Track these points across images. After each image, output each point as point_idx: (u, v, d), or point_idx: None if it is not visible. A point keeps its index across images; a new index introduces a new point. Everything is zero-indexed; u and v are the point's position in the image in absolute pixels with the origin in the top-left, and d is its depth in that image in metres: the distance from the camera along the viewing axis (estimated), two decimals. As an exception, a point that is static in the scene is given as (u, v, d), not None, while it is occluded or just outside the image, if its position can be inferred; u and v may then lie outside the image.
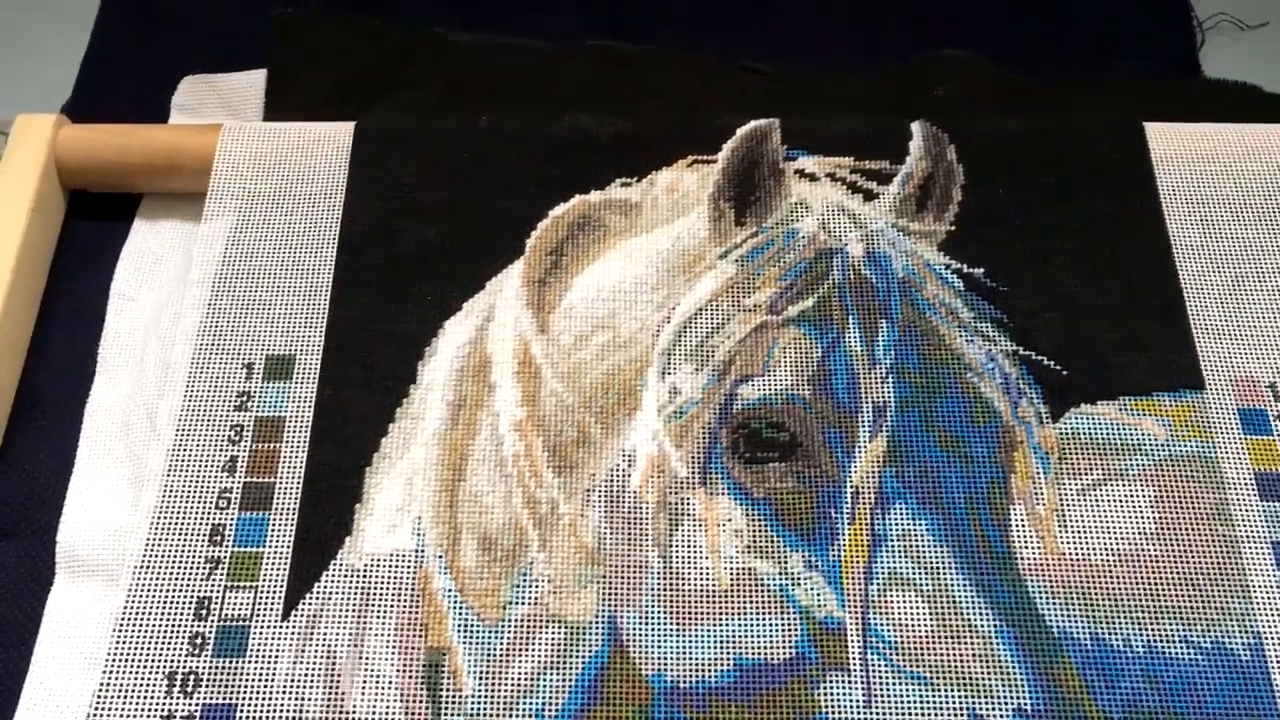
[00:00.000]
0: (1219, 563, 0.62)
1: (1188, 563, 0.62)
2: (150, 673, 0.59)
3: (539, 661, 0.60)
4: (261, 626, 0.61)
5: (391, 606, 0.61)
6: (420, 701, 0.59)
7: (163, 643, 0.60)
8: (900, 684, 0.59)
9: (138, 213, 0.78)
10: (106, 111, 0.80)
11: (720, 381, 0.66)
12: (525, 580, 0.62)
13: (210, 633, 0.60)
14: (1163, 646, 0.60)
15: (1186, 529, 0.63)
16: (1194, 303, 0.70)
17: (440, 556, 0.62)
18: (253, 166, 0.75)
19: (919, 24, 0.90)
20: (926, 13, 0.91)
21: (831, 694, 0.59)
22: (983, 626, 0.60)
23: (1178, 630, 0.60)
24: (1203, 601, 0.61)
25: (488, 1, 0.91)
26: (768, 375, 0.66)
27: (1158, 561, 0.62)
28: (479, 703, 0.59)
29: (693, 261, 0.70)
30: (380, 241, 0.72)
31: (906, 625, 0.60)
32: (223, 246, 0.72)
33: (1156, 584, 0.61)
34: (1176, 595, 0.61)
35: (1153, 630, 0.60)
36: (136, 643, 0.60)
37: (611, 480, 0.64)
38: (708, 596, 0.61)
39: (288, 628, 0.61)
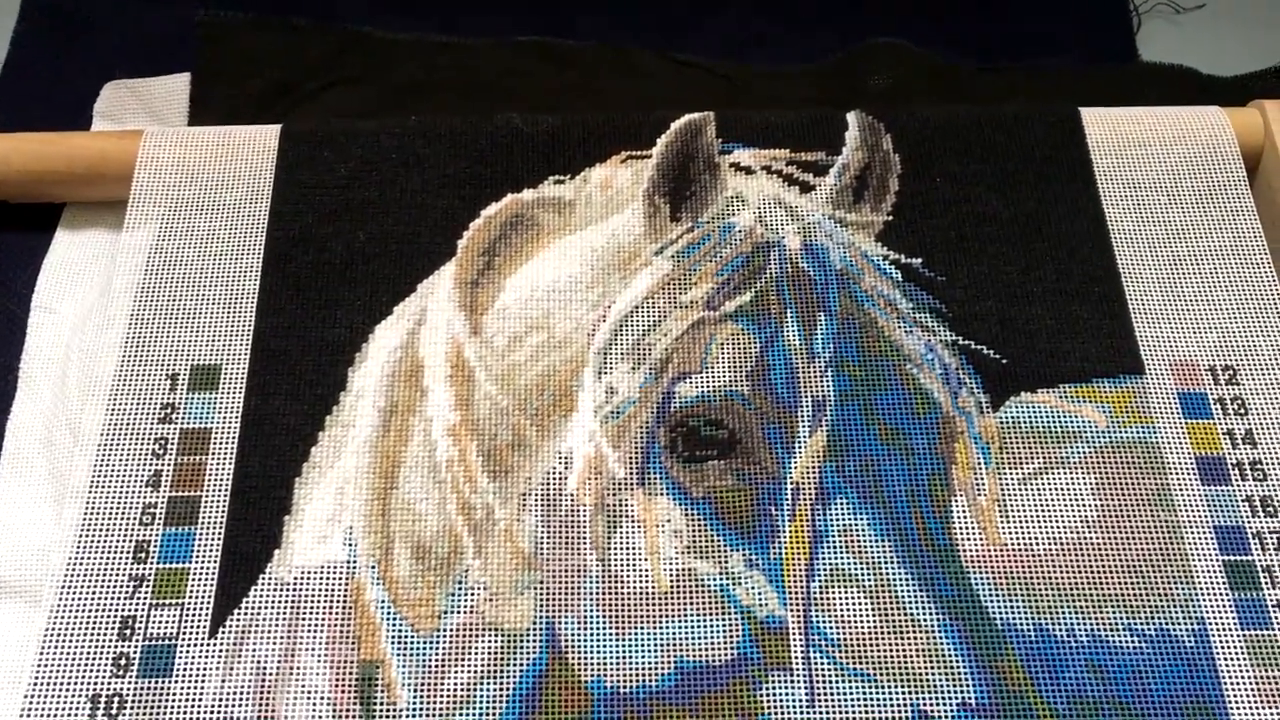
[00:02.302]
0: (1161, 548, 0.61)
1: (1130, 549, 0.61)
2: (74, 696, 0.58)
3: (475, 671, 0.59)
4: (188, 645, 0.59)
5: (323, 620, 0.60)
6: (354, 716, 0.57)
7: (86, 664, 0.58)
8: (844, 682, 0.58)
9: (60, 223, 0.76)
10: (27, 119, 0.78)
11: (657, 380, 0.65)
12: (460, 588, 0.61)
13: (135, 653, 0.59)
14: (1106, 635, 0.59)
15: (1128, 515, 0.62)
16: (1132, 287, 0.69)
17: (373, 567, 0.61)
18: (176, 172, 0.73)
19: (854, 13, 0.90)
20: (862, 1, 0.90)
21: (774, 694, 0.58)
22: (926, 621, 0.59)
23: (1121, 618, 0.60)
24: (1145, 588, 0.60)
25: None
26: (706, 372, 0.65)
27: (1100, 549, 0.61)
28: (414, 715, 0.57)
29: (628, 259, 0.69)
30: (308, 246, 0.71)
31: (849, 622, 0.59)
32: (146, 255, 0.70)
33: (1099, 572, 0.61)
34: (1119, 582, 0.60)
35: (1096, 618, 0.60)
36: (59, 665, 0.58)
37: (548, 483, 0.63)
38: (647, 599, 0.60)
39: (215, 645, 0.59)
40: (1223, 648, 0.59)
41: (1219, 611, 0.60)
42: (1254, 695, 0.58)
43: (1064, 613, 0.60)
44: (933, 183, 0.73)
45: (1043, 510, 0.62)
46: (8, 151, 0.74)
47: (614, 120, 0.75)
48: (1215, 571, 0.61)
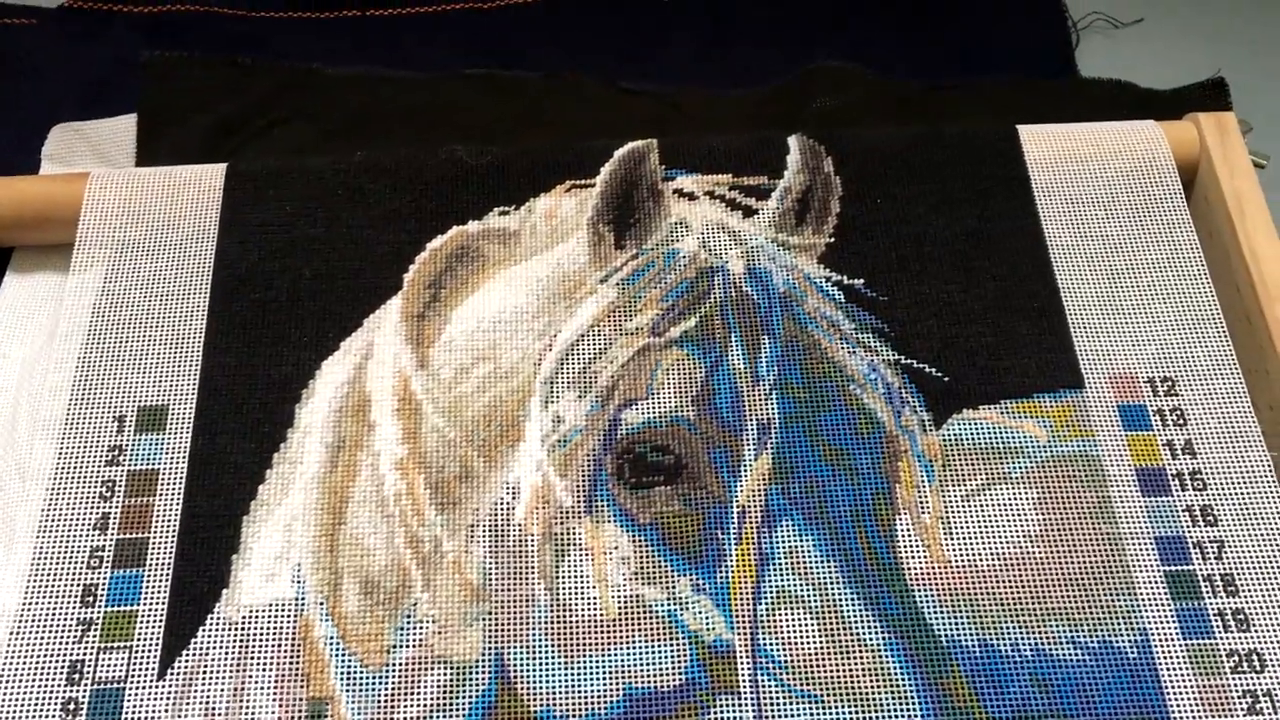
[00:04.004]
0: (1103, 561, 0.62)
1: (1072, 563, 0.62)
2: (23, 742, 0.58)
3: (425, 705, 0.59)
4: (136, 687, 0.59)
5: (272, 658, 0.60)
6: (304, 754, 0.58)
7: (36, 709, 0.58)
8: (791, 704, 0.58)
9: (9, 266, 0.76)
10: (-24, 165, 0.79)
11: (604, 407, 0.65)
12: (409, 622, 0.61)
13: (84, 697, 0.59)
14: (1050, 649, 0.60)
15: (1070, 529, 0.63)
16: (1071, 302, 0.70)
17: (321, 603, 0.61)
18: (122, 214, 0.73)
19: (797, 36, 0.91)
20: (802, 22, 0.91)
21: (723, 718, 0.58)
22: (872, 640, 0.60)
23: (1064, 631, 0.60)
24: (1088, 601, 0.61)
25: (363, 34, 0.90)
26: (651, 398, 0.66)
27: (1043, 564, 0.62)
28: (364, 751, 0.58)
29: (573, 287, 0.70)
30: (254, 284, 0.71)
31: (796, 644, 0.60)
32: (93, 297, 0.70)
33: (1042, 586, 0.61)
34: (1062, 596, 0.61)
35: (1039, 633, 0.60)
36: (8, 711, 0.58)
37: (495, 514, 0.63)
38: (596, 627, 0.60)
39: (164, 687, 0.59)
40: (1165, 657, 0.59)
41: (1161, 622, 0.60)
42: (1197, 704, 0.58)
43: (1008, 627, 0.60)
44: (874, 204, 0.74)
45: (986, 526, 0.63)
46: (-45, 197, 0.75)
47: (558, 150, 0.76)
48: (1157, 582, 0.62)
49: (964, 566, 0.62)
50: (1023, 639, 0.60)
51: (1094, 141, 0.76)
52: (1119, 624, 0.60)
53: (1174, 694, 0.58)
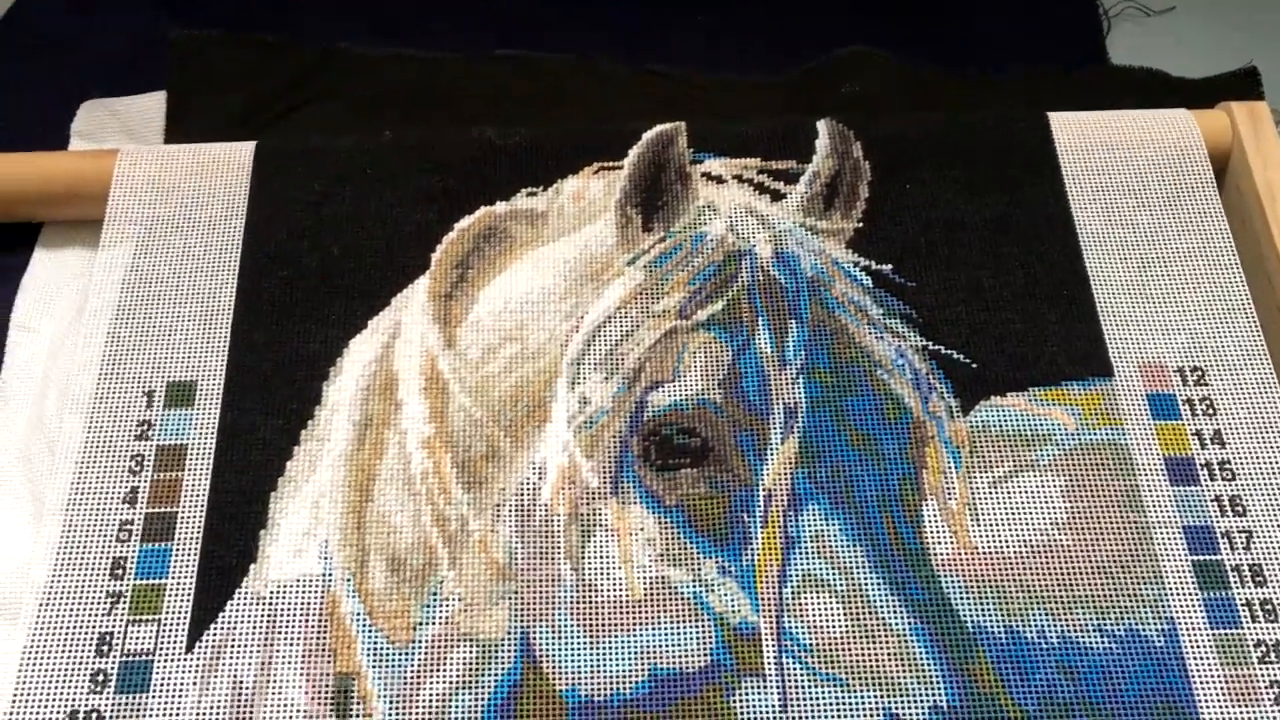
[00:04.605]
0: (1131, 550, 0.62)
1: (1100, 551, 0.62)
2: (52, 712, 0.58)
3: (450, 682, 0.59)
4: (165, 660, 0.59)
5: (299, 633, 0.60)
6: (330, 728, 0.58)
7: (65, 681, 0.59)
8: (816, 687, 0.58)
9: (38, 242, 0.77)
10: (5, 141, 0.79)
11: (630, 389, 0.65)
12: (435, 600, 0.61)
13: (113, 669, 0.59)
14: (1077, 636, 0.60)
15: (1098, 517, 0.63)
16: (1101, 290, 0.70)
17: (348, 580, 0.61)
18: (151, 191, 0.74)
19: (825, 22, 0.90)
20: (830, 8, 0.91)
21: (747, 700, 0.58)
22: (897, 625, 0.60)
23: (1091, 619, 0.60)
24: (1115, 589, 0.61)
25: (393, 13, 0.90)
26: (678, 381, 0.66)
27: (1070, 551, 0.62)
28: (390, 727, 0.58)
29: (600, 269, 0.70)
30: (283, 262, 0.71)
31: (821, 627, 0.60)
32: (122, 273, 0.71)
33: (1069, 574, 0.61)
34: (1089, 584, 0.61)
35: (1066, 620, 0.60)
36: (38, 682, 0.59)
37: (522, 494, 0.63)
38: (621, 607, 0.60)
39: (192, 660, 0.59)
40: (1192, 647, 0.59)
41: (1188, 611, 0.60)
42: (1223, 695, 0.58)
43: (1034, 615, 0.60)
44: (903, 189, 0.73)
45: (1013, 513, 0.63)
46: (-15, 172, 0.75)
47: (586, 131, 0.76)
48: (1184, 571, 0.61)
49: (991, 553, 0.62)
50: (1049, 626, 0.60)
51: (1125, 129, 0.75)
52: (1146, 613, 0.60)
53: (1201, 683, 0.58)
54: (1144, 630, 0.60)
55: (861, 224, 0.72)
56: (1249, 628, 0.60)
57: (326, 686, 0.59)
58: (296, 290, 0.70)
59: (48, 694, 0.58)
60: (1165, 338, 0.68)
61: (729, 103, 0.84)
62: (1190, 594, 0.61)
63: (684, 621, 0.60)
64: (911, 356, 0.67)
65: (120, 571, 0.62)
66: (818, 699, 0.58)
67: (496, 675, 0.59)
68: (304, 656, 0.59)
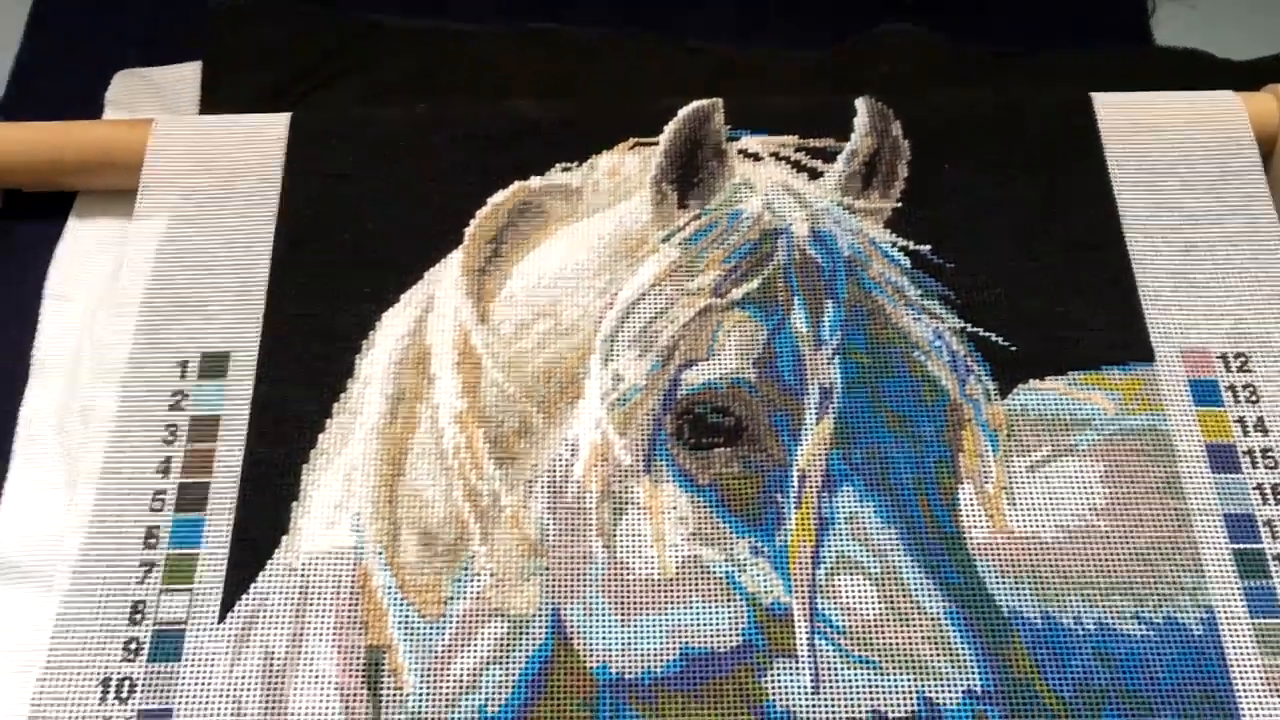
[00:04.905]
0: (1170, 537, 0.61)
1: (1138, 538, 0.61)
2: (85, 679, 0.58)
3: (481, 657, 0.59)
4: (197, 629, 0.59)
5: (330, 605, 0.60)
6: (361, 701, 0.58)
7: (98, 648, 0.59)
8: (848, 669, 0.58)
9: (72, 211, 0.77)
10: (40, 108, 0.79)
11: (664, 367, 0.65)
12: (467, 575, 0.61)
13: (145, 637, 0.59)
14: (1114, 623, 0.59)
15: (1137, 504, 0.62)
16: (1143, 274, 0.69)
17: (380, 553, 0.61)
18: (186, 161, 0.73)
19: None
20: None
21: (779, 681, 0.58)
22: (932, 608, 0.59)
23: (1129, 606, 0.59)
24: (1154, 576, 0.60)
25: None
26: (712, 359, 0.65)
27: (1108, 537, 0.61)
28: (421, 701, 0.58)
29: (635, 246, 0.69)
30: (317, 235, 0.71)
31: (854, 609, 0.59)
32: (157, 243, 0.71)
33: (1107, 560, 0.60)
34: (1127, 571, 0.60)
35: (1104, 607, 0.59)
36: (71, 649, 0.59)
37: (554, 470, 0.63)
38: (653, 586, 0.60)
39: (224, 630, 0.59)
40: (1232, 637, 0.59)
41: (1228, 600, 0.59)
42: (1263, 684, 0.57)
43: (1071, 601, 0.59)
44: (942, 169, 0.72)
45: (1050, 498, 0.62)
46: (20, 140, 0.75)
47: (622, 107, 0.75)
48: (1225, 560, 0.60)
49: (1027, 538, 0.61)
50: (1086, 613, 0.59)
51: (1170, 111, 0.74)
52: (1185, 601, 0.60)
53: (1239, 672, 0.58)
54: (1182, 619, 0.59)
55: (900, 203, 0.71)
56: (1290, 618, 0.59)
57: (358, 659, 0.59)
58: (330, 263, 0.70)
59: (81, 661, 0.59)
60: (1208, 323, 0.67)
61: (766, 79, 0.83)
62: (1230, 583, 0.60)
63: (716, 601, 0.60)
64: (949, 338, 0.66)
65: (154, 541, 0.62)
66: (850, 681, 0.58)
67: (527, 651, 0.59)
68: (335, 629, 0.59)
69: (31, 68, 0.84)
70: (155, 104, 0.81)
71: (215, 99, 0.81)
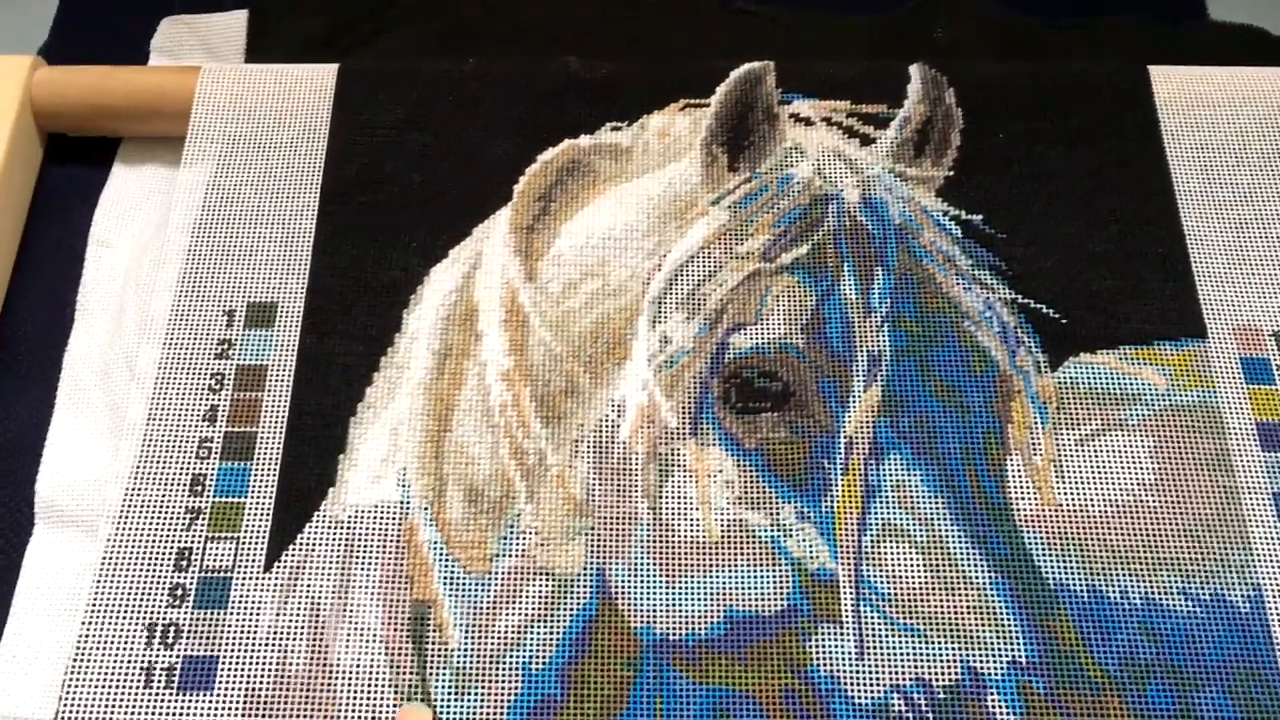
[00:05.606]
0: (1218, 513, 0.61)
1: (1187, 513, 0.61)
2: (130, 624, 0.58)
3: (526, 614, 0.59)
4: (243, 578, 0.59)
5: (376, 559, 0.60)
6: (405, 655, 0.58)
7: (143, 594, 0.59)
8: (893, 636, 0.58)
9: (117, 157, 0.76)
10: (84, 54, 0.78)
11: (712, 330, 0.65)
12: (512, 532, 0.61)
13: (191, 584, 0.59)
14: (1160, 598, 0.59)
15: (1186, 479, 0.62)
16: (1196, 250, 0.68)
17: (426, 508, 0.61)
18: (233, 110, 0.73)
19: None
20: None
21: (823, 646, 0.58)
22: (978, 578, 0.59)
23: (1176, 581, 0.59)
24: (1201, 552, 0.60)
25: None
26: (760, 324, 0.65)
27: (1156, 512, 0.61)
28: (465, 656, 0.58)
29: (684, 208, 0.69)
30: (364, 187, 0.70)
31: (900, 577, 0.59)
32: (203, 192, 0.70)
33: (1155, 535, 0.60)
34: (1175, 546, 0.60)
35: (1150, 581, 0.59)
36: (116, 594, 0.59)
37: (600, 431, 0.63)
38: (698, 548, 0.60)
39: (270, 579, 0.60)
40: (1279, 614, 0.58)
41: (1276, 577, 0.59)
42: (1308, 663, 0.57)
43: (1118, 575, 0.59)
44: (995, 138, 0.72)
45: (1099, 472, 0.62)
46: (66, 84, 0.74)
47: (673, 68, 0.74)
48: (1273, 538, 0.60)
49: (1075, 511, 0.61)
50: (1132, 587, 0.59)
51: (1227, 86, 0.73)
52: (1232, 577, 0.59)
53: (1286, 651, 0.58)
54: (1229, 595, 0.59)
55: (952, 172, 0.71)
56: (1338, 598, 0.59)
57: (403, 613, 0.59)
58: (378, 216, 0.69)
59: (126, 606, 0.59)
60: (1261, 300, 0.67)
61: (818, 43, 0.82)
62: (1278, 560, 0.60)
63: (761, 565, 0.60)
64: (1000, 309, 0.66)
65: (199, 488, 0.62)
66: (895, 648, 0.58)
67: (572, 610, 0.59)
68: (381, 582, 0.60)
69: (76, 13, 0.84)
70: (201, 52, 0.80)
71: (261, 48, 0.80)
